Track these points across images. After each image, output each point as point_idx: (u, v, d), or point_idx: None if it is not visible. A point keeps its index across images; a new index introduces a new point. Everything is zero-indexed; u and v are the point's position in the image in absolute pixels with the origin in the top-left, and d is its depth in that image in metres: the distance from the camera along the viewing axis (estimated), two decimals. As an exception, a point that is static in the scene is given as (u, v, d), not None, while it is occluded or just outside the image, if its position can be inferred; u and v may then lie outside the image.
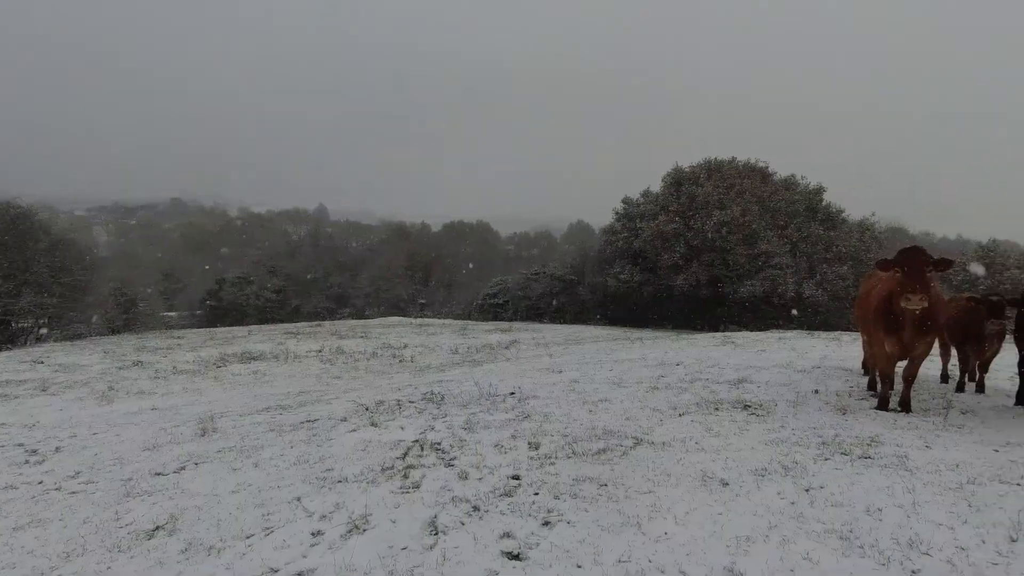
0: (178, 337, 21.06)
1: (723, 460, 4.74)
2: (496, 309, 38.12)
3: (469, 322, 30.57)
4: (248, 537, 3.80)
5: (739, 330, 22.96)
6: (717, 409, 6.57)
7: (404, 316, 35.89)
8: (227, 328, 28.19)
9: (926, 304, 5.46)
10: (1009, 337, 7.19)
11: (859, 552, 3.17)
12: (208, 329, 27.97)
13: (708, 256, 29.54)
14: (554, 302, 36.48)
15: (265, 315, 40.15)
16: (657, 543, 3.41)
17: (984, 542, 3.20)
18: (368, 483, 4.61)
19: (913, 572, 2.95)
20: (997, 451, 4.83)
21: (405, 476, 4.75)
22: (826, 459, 4.65)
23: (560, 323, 32.69)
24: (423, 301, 47.37)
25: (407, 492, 4.40)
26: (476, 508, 4.05)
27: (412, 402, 7.80)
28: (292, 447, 5.72)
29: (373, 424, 6.51)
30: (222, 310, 41.31)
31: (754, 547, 3.31)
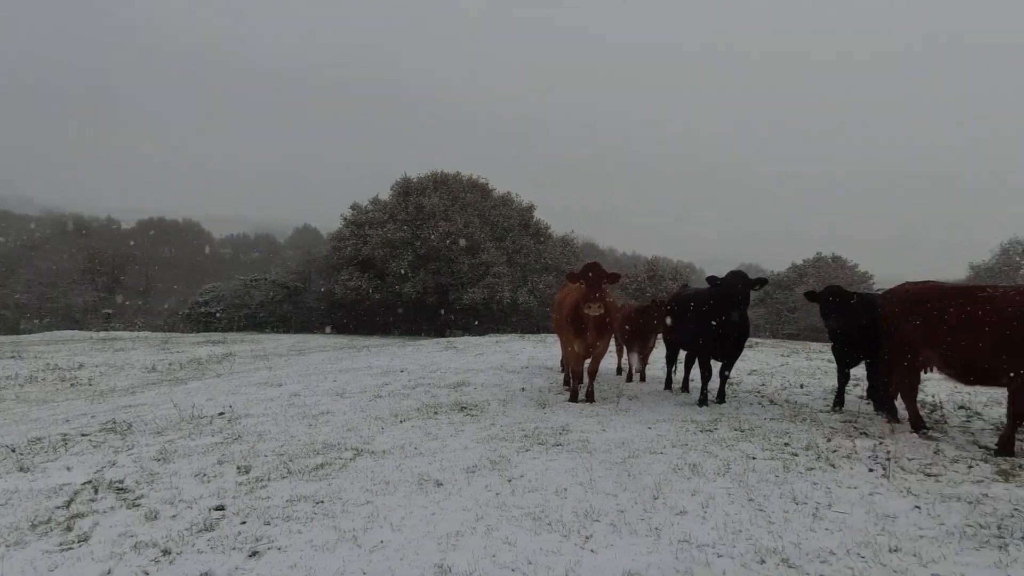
0: None
1: (439, 462, 4.98)
2: (208, 319, 33.94)
3: (174, 334, 26.59)
4: None
5: (463, 335, 24.53)
6: (436, 413, 6.89)
7: (83, 330, 29.42)
8: None
9: (603, 310, 6.60)
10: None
11: (548, 528, 3.64)
12: None
13: (435, 264, 30.95)
14: (277, 311, 34.01)
15: None
16: (372, 553, 3.41)
17: (636, 503, 3.96)
18: (8, 547, 3.63)
19: (586, 538, 3.50)
20: (650, 428, 6.04)
21: (68, 528, 3.87)
22: (527, 450, 5.24)
23: (284, 333, 30.63)
24: (109, 311, 39.47)
25: (70, 548, 3.59)
26: (166, 552, 3.50)
27: (86, 435, 6.44)
28: None
29: (22, 469, 5.18)
30: None
31: (462, 540, 3.54)
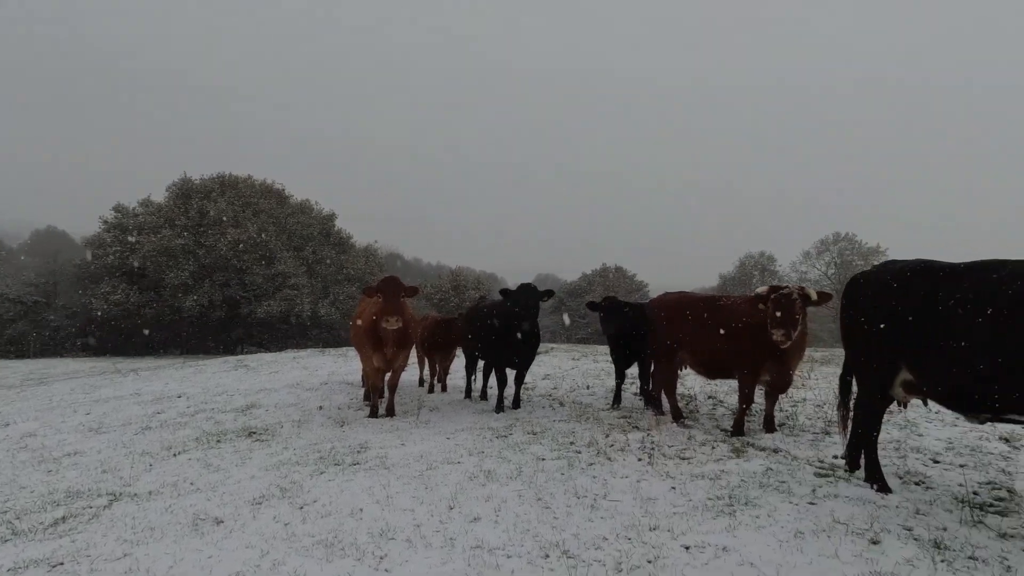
0: None
1: (220, 496, 4.49)
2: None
3: None
4: None
5: (258, 352, 22.54)
6: (220, 441, 6.22)
7: None
8: None
9: (401, 324, 6.56)
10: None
11: (340, 554, 3.48)
12: None
13: (222, 275, 28.05)
14: (7, 331, 27.93)
15: None
16: (127, 616, 2.94)
17: (432, 515, 3.99)
18: None
19: (381, 558, 3.42)
20: (449, 438, 6.14)
21: None
22: (322, 472, 4.97)
23: (18, 358, 25.20)
24: None
25: None
26: None
27: None
28: None
29: None
30: None
31: (243, 582, 3.22)
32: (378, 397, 7.42)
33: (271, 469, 5.14)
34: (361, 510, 4.11)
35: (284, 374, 11.96)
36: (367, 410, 7.58)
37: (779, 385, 5.97)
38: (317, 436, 6.33)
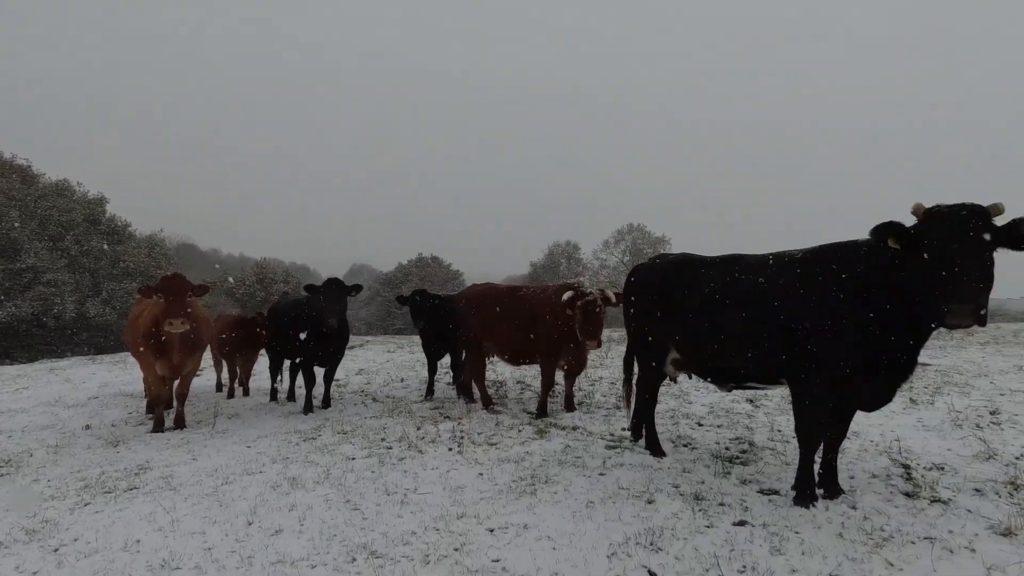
0: None
1: (-63, 552, 3.63)
2: None
3: None
4: None
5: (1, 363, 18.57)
6: (-60, 481, 5.02)
7: None
8: None
9: (188, 327, 5.88)
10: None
11: (111, 597, 3.04)
12: None
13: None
14: None
15: None
16: None
17: (228, 535, 3.66)
18: None
19: (163, 594, 3.06)
20: (250, 447, 5.69)
21: None
22: (86, 504, 4.28)
23: None
24: None
25: None
26: None
27: None
28: None
29: None
30: None
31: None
32: (163, 409, 6.57)
33: (13, 509, 4.28)
34: (138, 541, 3.62)
35: (37, 390, 10.02)
36: (151, 424, 6.68)
37: (575, 368, 6.53)
38: (82, 461, 5.43)
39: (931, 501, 3.63)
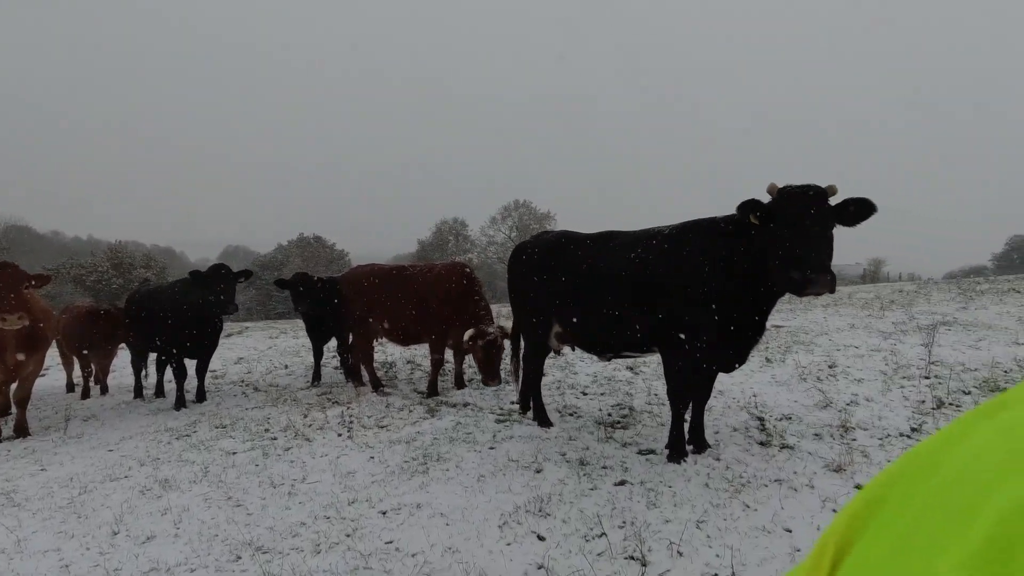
0: None
1: None
2: None
3: None
4: None
5: None
6: None
7: None
8: None
9: (27, 322, 5.20)
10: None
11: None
12: None
13: None
14: None
15: None
16: None
17: (89, 548, 3.34)
18: None
19: (11, 621, 2.74)
20: (112, 450, 5.19)
21: None
22: (-94, 531, 3.70)
23: None
24: None
25: None
26: None
27: None
28: None
29: None
30: None
31: None
32: (1, 415, 5.80)
33: None
34: (-25, 568, 3.21)
35: None
36: (-16, 434, 5.87)
37: (464, 349, 6.57)
38: None
39: (781, 448, 4.11)
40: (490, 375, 5.74)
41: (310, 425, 5.43)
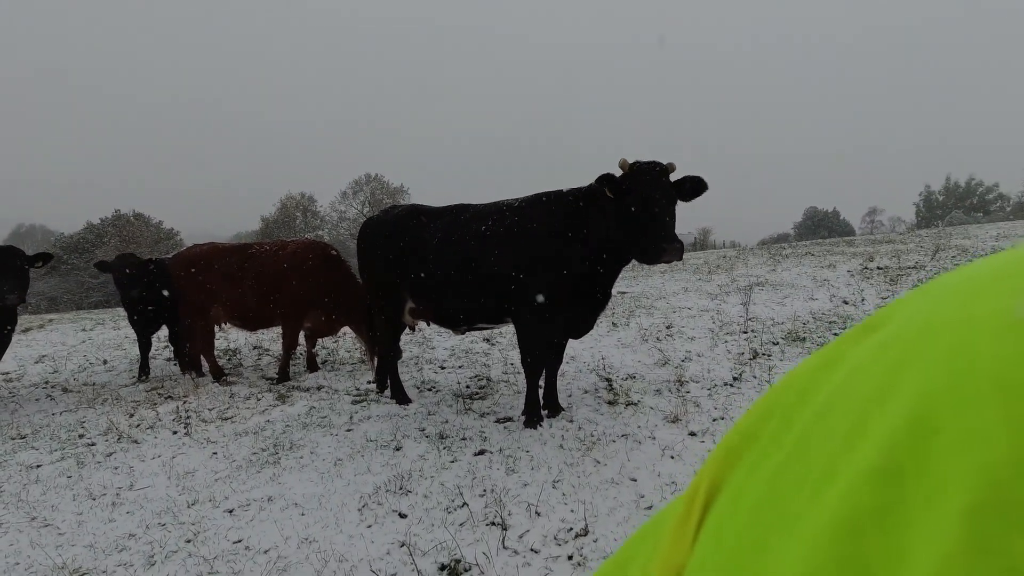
0: None
1: None
2: None
3: None
4: None
5: None
6: None
7: None
8: None
9: None
10: None
11: None
12: None
13: None
14: None
15: None
16: None
17: None
18: None
19: None
20: None
21: None
22: None
23: None
24: None
25: None
26: None
27: None
28: None
29: None
30: None
31: None
32: None
33: None
34: None
35: None
36: None
37: (325, 329, 6.23)
38: None
39: (626, 405, 4.44)
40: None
41: (138, 425, 4.84)
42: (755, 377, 4.91)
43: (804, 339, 6.00)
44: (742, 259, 14.26)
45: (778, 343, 5.94)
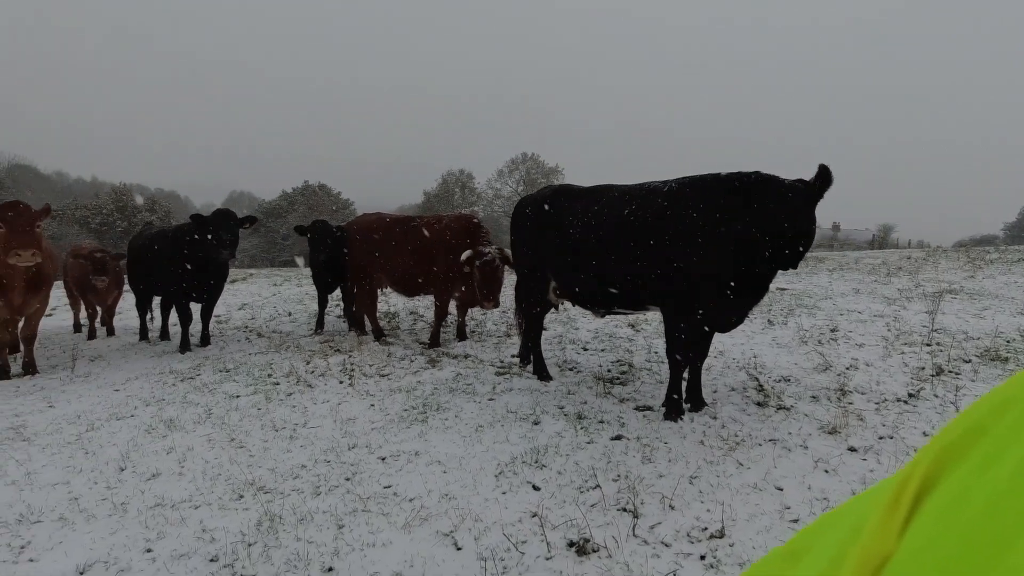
0: None
1: None
2: None
3: None
4: None
5: None
6: None
7: None
8: None
9: (39, 259, 5.21)
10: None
11: (-41, 558, 2.78)
12: None
13: None
14: None
15: None
16: None
17: (97, 483, 3.43)
18: None
19: (21, 548, 2.84)
20: (118, 390, 5.28)
21: None
22: (-81, 461, 3.81)
23: None
24: None
25: None
26: None
27: None
28: None
29: None
30: None
31: None
32: (6, 353, 5.88)
33: None
34: (-12, 498, 3.30)
35: None
36: (-7, 372, 5.98)
37: (470, 300, 6.58)
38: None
39: (777, 408, 4.14)
40: (487, 297, 5.60)
41: (312, 372, 5.50)
42: (937, 396, 4.30)
43: (1007, 359, 5.12)
44: (931, 261, 12.47)
45: (970, 361, 5.14)
